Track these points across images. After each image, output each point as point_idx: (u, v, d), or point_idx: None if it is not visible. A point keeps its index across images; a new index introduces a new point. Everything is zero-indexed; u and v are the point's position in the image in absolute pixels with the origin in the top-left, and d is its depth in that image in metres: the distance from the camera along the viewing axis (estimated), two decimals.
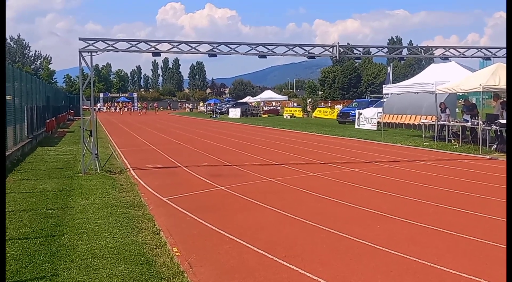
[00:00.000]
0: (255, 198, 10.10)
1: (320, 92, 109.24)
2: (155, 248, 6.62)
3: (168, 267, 5.90)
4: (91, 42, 13.36)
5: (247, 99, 78.54)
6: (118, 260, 6.07)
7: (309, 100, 67.92)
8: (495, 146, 18.04)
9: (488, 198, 10.12)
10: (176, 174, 13.72)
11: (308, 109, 60.95)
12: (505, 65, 18.80)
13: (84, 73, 14.83)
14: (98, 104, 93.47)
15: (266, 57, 14.70)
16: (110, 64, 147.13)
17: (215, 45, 14.49)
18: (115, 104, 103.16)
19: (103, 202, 9.51)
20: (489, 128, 18.04)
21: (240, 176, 13.15)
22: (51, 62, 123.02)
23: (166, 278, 5.54)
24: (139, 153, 19.26)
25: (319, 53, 15.15)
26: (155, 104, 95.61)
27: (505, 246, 6.68)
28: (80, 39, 13.30)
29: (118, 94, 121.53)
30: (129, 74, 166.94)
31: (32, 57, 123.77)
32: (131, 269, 5.77)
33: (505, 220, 8.18)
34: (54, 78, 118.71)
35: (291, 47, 14.89)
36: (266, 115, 62.57)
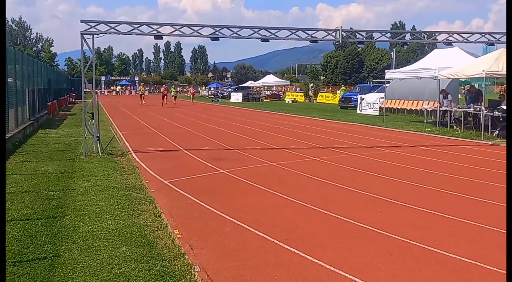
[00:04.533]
0: (256, 182, 10.11)
1: (322, 77, 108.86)
2: (156, 230, 6.65)
3: (169, 249, 5.92)
4: (93, 24, 13.28)
5: (249, 83, 78.26)
6: (119, 242, 6.09)
7: (311, 85, 67.74)
8: (497, 132, 18.01)
9: (489, 183, 10.13)
10: (178, 157, 13.73)
11: (310, 94, 60.79)
12: None
13: (86, 56, 14.77)
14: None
15: (268, 41, 14.64)
16: (112, 47, 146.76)
17: (217, 29, 14.41)
18: (116, 87, 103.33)
19: (105, 184, 9.53)
20: (491, 114, 17.98)
21: (242, 160, 13.15)
22: (52, 45, 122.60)
23: (167, 260, 5.56)
24: (140, 136, 19.25)
25: (322, 38, 15.06)
26: (163, 88, 60.19)
27: (505, 231, 6.70)
28: (82, 21, 13.22)
29: (119, 78, 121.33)
30: (130, 58, 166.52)
31: (34, 40, 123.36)
32: (132, 250, 5.79)
33: (506, 205, 8.20)
34: (56, 61, 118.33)
35: (293, 31, 14.80)
36: (268, 100, 62.43)
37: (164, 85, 73.63)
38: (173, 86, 63.11)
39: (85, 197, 8.44)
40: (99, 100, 15.32)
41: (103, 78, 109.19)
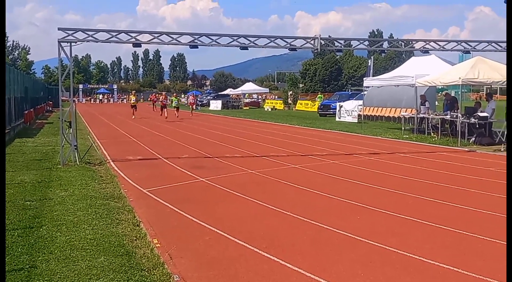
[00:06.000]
0: (236, 190, 10.09)
1: (301, 85, 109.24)
2: (135, 240, 6.59)
3: (148, 258, 5.88)
4: (70, 32, 13.17)
5: (228, 91, 78.24)
6: (98, 252, 6.02)
7: (290, 92, 67.98)
8: (474, 139, 18.24)
9: (467, 189, 10.24)
10: (157, 166, 13.65)
11: (289, 101, 61.01)
12: (484, 58, 19.07)
13: (63, 64, 14.64)
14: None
15: (247, 49, 14.66)
16: (89, 55, 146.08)
17: (196, 37, 14.40)
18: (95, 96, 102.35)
19: (83, 194, 9.43)
20: (468, 121, 18.22)
21: (221, 168, 13.12)
22: (29, 52, 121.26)
23: (146, 270, 5.51)
24: (119, 144, 19.11)
25: (301, 46, 15.15)
26: (162, 96, 50.43)
27: (484, 237, 6.79)
28: (59, 29, 13.11)
29: (97, 86, 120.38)
30: (109, 66, 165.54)
31: (10, 48, 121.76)
32: (111, 260, 5.73)
33: (484, 211, 8.31)
34: (33, 69, 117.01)
35: (272, 39, 14.85)
36: (247, 108, 62.46)
37: (163, 93, 57.37)
38: (174, 94, 49.21)
39: (62, 207, 8.34)
40: (76, 108, 15.16)
41: (81, 86, 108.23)
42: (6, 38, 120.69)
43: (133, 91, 47.43)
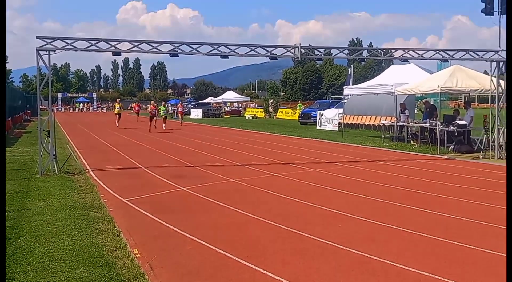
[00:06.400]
0: (217, 199, 10.05)
1: (282, 93, 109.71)
2: (115, 250, 6.52)
3: (128, 269, 5.81)
4: (49, 40, 13.06)
5: (209, 99, 78.22)
6: (77, 263, 5.94)
7: (271, 101, 68.16)
8: (452, 146, 18.44)
9: (447, 197, 10.33)
10: (137, 175, 13.55)
11: (270, 110, 61.16)
12: (462, 67, 19.34)
13: (42, 73, 14.54)
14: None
15: (228, 58, 14.66)
16: (68, 63, 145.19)
17: (176, 45, 14.37)
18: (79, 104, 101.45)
19: (61, 204, 9.32)
20: (447, 129, 18.42)
21: (202, 177, 13.08)
22: (7, 61, 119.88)
23: (127, 280, 5.46)
24: (98, 153, 18.94)
25: (281, 54, 15.19)
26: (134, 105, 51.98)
27: (464, 245, 6.84)
28: (37, 37, 12.99)
29: (77, 94, 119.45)
30: (88, 74, 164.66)
31: None
32: (90, 271, 5.66)
33: (464, 218, 8.38)
34: (10, 78, 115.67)
35: (253, 48, 14.88)
36: (228, 116, 62.49)
37: (151, 101, 42.26)
38: (163, 103, 47.03)
39: (41, 217, 8.23)
40: (55, 117, 15.01)
41: (59, 95, 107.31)
42: None
43: (117, 99, 43.33)
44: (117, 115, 36.98)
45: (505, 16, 22.94)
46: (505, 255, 6.31)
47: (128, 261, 6.07)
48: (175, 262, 6.23)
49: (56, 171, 13.11)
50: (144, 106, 74.64)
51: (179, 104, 48.14)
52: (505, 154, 16.32)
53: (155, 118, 33.26)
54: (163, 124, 34.30)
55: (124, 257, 6.26)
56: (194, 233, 7.47)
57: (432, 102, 27.39)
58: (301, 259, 6.33)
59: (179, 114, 43.31)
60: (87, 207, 9.13)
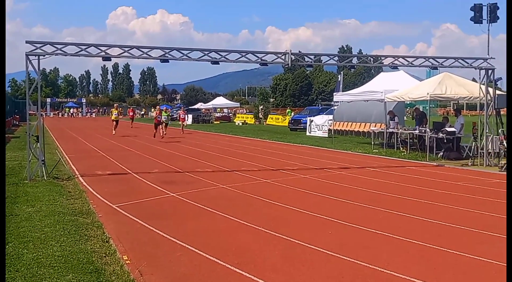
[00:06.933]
0: (207, 205, 10.02)
1: (271, 100, 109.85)
2: (105, 256, 6.47)
3: (118, 275, 5.77)
4: (38, 45, 12.99)
5: (199, 105, 78.28)
6: (66, 269, 5.89)
7: (261, 107, 68.23)
8: (441, 153, 18.53)
9: (436, 203, 10.36)
10: (126, 181, 13.49)
11: (260, 116, 61.20)
12: (451, 74, 19.49)
13: (31, 78, 14.42)
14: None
15: (218, 64, 14.67)
16: (58, 68, 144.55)
17: (167, 51, 14.36)
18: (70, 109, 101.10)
19: (50, 210, 9.24)
20: (436, 136, 18.52)
21: (192, 183, 13.04)
22: None
23: None
24: (88, 159, 18.84)
25: (272, 61, 15.22)
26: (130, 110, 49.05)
27: (453, 251, 6.86)
28: (27, 42, 12.93)
29: (66, 100, 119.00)
30: (77, 79, 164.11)
31: None
32: (79, 278, 5.61)
33: (454, 225, 8.41)
34: None
35: (244, 54, 14.90)
36: (218, 122, 62.41)
37: (157, 106, 41.64)
38: (164, 108, 41.25)
39: (29, 223, 8.16)
40: (44, 123, 14.93)
41: (48, 100, 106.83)
42: None
43: (115, 104, 40.29)
44: (114, 122, 33.51)
45: (493, 24, 23.12)
46: (495, 262, 6.36)
47: (117, 268, 6.03)
48: (165, 268, 6.20)
49: (45, 177, 13.02)
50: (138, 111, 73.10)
51: (181, 111, 42.77)
52: (494, 161, 16.44)
53: (161, 125, 29.33)
54: (163, 131, 29.79)
55: (113, 263, 6.21)
56: (184, 239, 7.44)
57: (421, 109, 27.53)
58: (291, 266, 6.31)
59: (181, 121, 38.55)
60: (76, 212, 9.07)
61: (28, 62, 12.87)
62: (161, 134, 28.82)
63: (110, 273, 5.83)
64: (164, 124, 30.48)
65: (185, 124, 39.03)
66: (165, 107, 40.17)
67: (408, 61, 16.19)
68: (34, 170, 13.21)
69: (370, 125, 29.04)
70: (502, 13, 22.95)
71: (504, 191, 11.85)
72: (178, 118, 43.12)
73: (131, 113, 44.31)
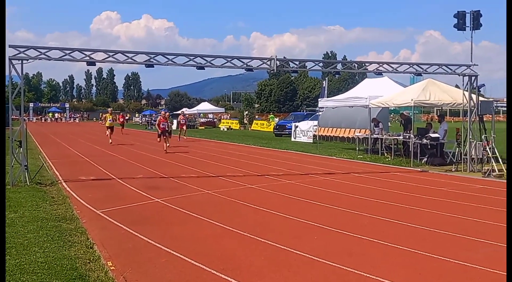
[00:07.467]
0: (192, 211, 9.98)
1: (256, 105, 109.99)
2: (89, 262, 6.41)
3: (102, 281, 5.71)
4: (22, 49, 12.89)
5: (184, 110, 77.98)
6: (49, 276, 5.82)
7: (246, 112, 68.29)
8: (426, 159, 18.66)
9: (420, 209, 10.42)
10: (111, 186, 13.39)
11: (245, 121, 61.24)
12: (435, 81, 19.66)
13: (14, 82, 14.28)
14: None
15: (204, 69, 14.67)
16: (41, 73, 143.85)
17: (152, 56, 14.32)
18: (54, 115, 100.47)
19: (33, 215, 9.14)
20: (420, 141, 18.65)
21: (177, 188, 12.98)
22: None
23: None
24: (71, 164, 18.69)
25: (257, 66, 15.24)
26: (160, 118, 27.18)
27: (438, 256, 6.89)
28: (10, 46, 12.80)
29: (49, 104, 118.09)
30: (61, 84, 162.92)
31: None
32: None
33: (438, 230, 8.46)
34: None
35: (229, 59, 14.91)
36: (203, 127, 62.38)
37: (161, 111, 33.51)
38: (167, 114, 29.04)
39: (12, 229, 8.05)
40: (27, 127, 14.78)
41: (31, 105, 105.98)
42: None
43: (109, 109, 36.77)
44: (109, 129, 29.77)
45: (477, 31, 23.37)
46: (480, 267, 6.41)
47: (102, 274, 5.97)
48: (150, 274, 6.15)
49: (28, 182, 12.88)
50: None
51: (181, 116, 37.76)
52: (477, 167, 16.58)
53: (166, 134, 24.57)
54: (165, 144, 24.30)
55: (97, 269, 6.15)
56: (169, 245, 7.39)
57: (407, 114, 27.69)
58: (277, 272, 6.30)
59: (180, 127, 35.76)
60: (59, 218, 8.98)
61: (11, 66, 12.74)
62: (165, 148, 23.86)
63: (95, 280, 5.77)
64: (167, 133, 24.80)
65: (184, 132, 35.94)
66: (167, 113, 29.24)
67: (392, 68, 16.31)
68: (17, 175, 13.07)
69: (354, 131, 29.15)
70: (485, 20, 23.34)
71: (487, 196, 12.00)
72: (177, 125, 37.96)
73: (121, 119, 43.30)
